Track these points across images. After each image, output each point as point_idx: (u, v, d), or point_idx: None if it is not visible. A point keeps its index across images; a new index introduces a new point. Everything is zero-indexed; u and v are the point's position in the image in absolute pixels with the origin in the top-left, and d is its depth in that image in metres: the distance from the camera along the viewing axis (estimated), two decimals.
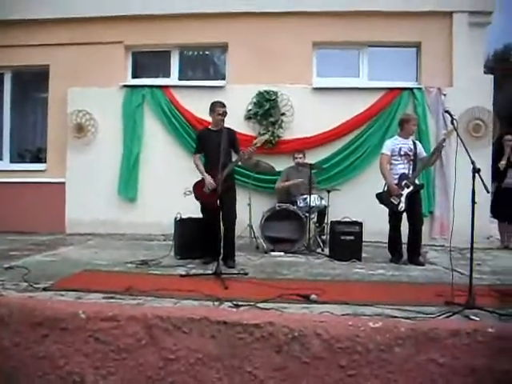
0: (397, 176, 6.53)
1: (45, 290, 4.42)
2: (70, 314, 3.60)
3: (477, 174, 4.23)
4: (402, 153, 6.57)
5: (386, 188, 6.59)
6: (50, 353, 3.57)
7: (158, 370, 3.46)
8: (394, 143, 6.67)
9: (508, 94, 22.76)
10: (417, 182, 6.60)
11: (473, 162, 4.30)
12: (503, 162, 8.43)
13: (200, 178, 6.30)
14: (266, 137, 7.34)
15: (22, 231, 8.97)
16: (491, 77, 8.95)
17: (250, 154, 6.15)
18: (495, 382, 3.25)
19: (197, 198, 6.32)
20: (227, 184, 5.95)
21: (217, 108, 6.20)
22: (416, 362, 3.29)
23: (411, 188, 6.44)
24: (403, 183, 6.45)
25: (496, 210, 8.55)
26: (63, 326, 3.57)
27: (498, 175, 8.49)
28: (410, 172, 6.54)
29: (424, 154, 6.75)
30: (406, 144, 6.63)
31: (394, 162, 6.61)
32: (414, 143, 6.73)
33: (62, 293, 4.32)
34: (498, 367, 3.26)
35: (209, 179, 6.06)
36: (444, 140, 6.43)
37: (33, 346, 3.59)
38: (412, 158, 6.60)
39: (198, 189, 6.24)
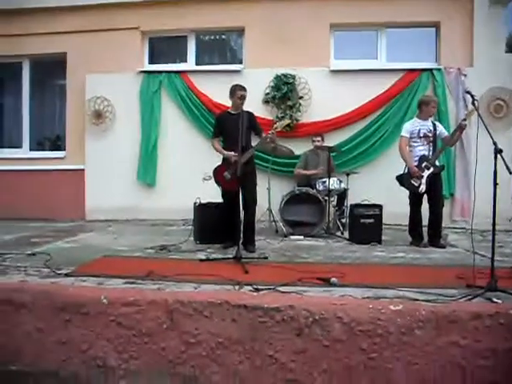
0: (417, 158, 6.47)
1: (66, 275, 4.45)
2: (92, 299, 3.64)
3: (499, 155, 4.17)
4: (422, 134, 6.50)
5: (406, 170, 6.54)
6: (73, 338, 3.61)
7: (179, 354, 3.49)
8: (413, 125, 6.60)
9: None
10: (437, 163, 6.54)
11: (495, 143, 4.23)
12: None
13: (219, 164, 6.29)
14: (287, 121, 7.27)
15: (42, 218, 9.07)
16: None
17: (271, 139, 6.10)
18: None
19: (217, 183, 6.29)
20: (247, 168, 5.90)
21: (237, 91, 6.15)
22: (437, 344, 3.28)
23: (431, 169, 6.38)
24: (423, 165, 6.39)
25: None
26: (85, 311, 3.61)
27: None
28: (431, 153, 6.47)
29: (445, 134, 6.67)
30: (424, 125, 6.55)
31: (413, 143, 6.55)
32: (434, 124, 6.64)
33: (84, 278, 4.35)
34: None
35: (230, 153, 5.99)
36: (465, 119, 6.35)
37: (56, 332, 3.63)
38: (432, 139, 6.52)
39: (219, 174, 6.20)
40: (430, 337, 3.29)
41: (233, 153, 5.94)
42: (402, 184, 6.57)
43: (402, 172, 6.59)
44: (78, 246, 6.42)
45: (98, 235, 7.44)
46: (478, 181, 4.66)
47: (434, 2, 8.75)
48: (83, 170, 9.42)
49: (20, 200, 9.34)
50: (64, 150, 9.81)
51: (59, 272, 4.56)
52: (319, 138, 8.08)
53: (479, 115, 4.70)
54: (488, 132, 4.39)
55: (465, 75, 8.56)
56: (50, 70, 10.29)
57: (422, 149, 6.49)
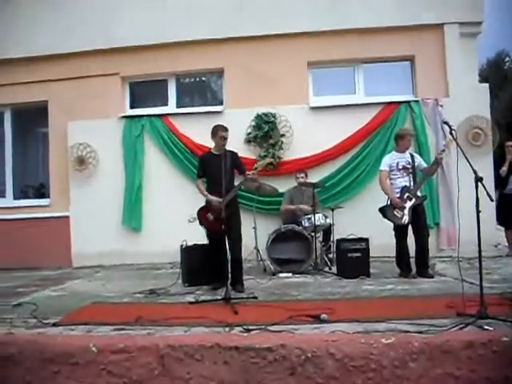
0: (398, 189, 6.54)
1: (54, 325, 4.38)
2: (81, 348, 3.59)
3: (480, 183, 4.23)
4: (400, 167, 6.62)
5: (388, 202, 6.59)
6: None
7: None
8: (392, 158, 6.74)
9: (505, 101, 22.85)
10: (419, 193, 6.61)
11: (475, 171, 4.30)
12: (504, 168, 8.47)
13: (203, 204, 6.30)
14: (268, 160, 7.25)
15: (28, 267, 8.94)
16: (486, 85, 9.02)
17: (252, 179, 6.13)
18: None
19: (201, 224, 6.30)
20: (231, 208, 5.93)
21: (219, 132, 6.19)
22: (432, 376, 3.26)
23: (414, 200, 6.45)
24: (405, 196, 6.46)
25: (501, 217, 8.54)
26: (74, 361, 3.55)
27: (500, 182, 8.50)
28: (412, 184, 6.55)
29: (424, 165, 6.77)
30: (403, 158, 6.68)
31: (393, 176, 6.65)
32: (412, 156, 6.76)
33: (72, 327, 4.29)
34: None
35: (214, 198, 6.01)
36: (443, 151, 6.45)
37: None
38: (411, 171, 6.63)
39: (202, 215, 6.22)
40: (424, 369, 3.27)
41: (215, 198, 5.97)
42: (384, 216, 6.61)
43: (384, 204, 6.65)
44: (66, 293, 6.34)
45: (86, 282, 7.35)
46: (462, 209, 4.73)
47: (407, 37, 8.94)
48: (68, 216, 9.36)
49: (5, 249, 9.23)
50: (48, 197, 9.76)
51: (46, 322, 4.50)
52: (303, 175, 8.12)
53: (458, 144, 4.79)
54: (467, 160, 4.46)
55: (441, 106, 8.69)
56: (32, 118, 10.31)
57: (402, 180, 6.59)
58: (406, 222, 6.45)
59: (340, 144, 8.84)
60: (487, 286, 4.86)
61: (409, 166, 6.62)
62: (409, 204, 6.44)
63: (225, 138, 6.14)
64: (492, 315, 3.93)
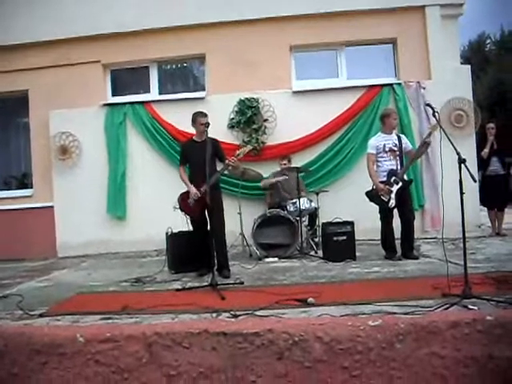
0: (385, 173, 6.55)
1: (41, 316, 4.37)
2: (68, 338, 3.56)
3: (463, 165, 4.25)
4: (387, 149, 6.61)
5: (374, 186, 6.61)
6: (51, 380, 3.51)
7: None
8: (378, 140, 6.72)
9: (486, 82, 22.98)
10: (405, 177, 6.63)
11: (458, 153, 4.33)
12: (486, 150, 8.53)
13: (184, 191, 6.31)
14: (250, 147, 7.12)
15: (13, 259, 8.88)
16: (468, 67, 9.08)
17: (233, 165, 6.12)
18: (497, 369, 3.25)
19: (181, 209, 6.32)
20: (213, 194, 5.89)
21: (198, 118, 6.19)
22: (418, 356, 3.29)
23: (400, 184, 6.47)
24: (392, 179, 6.47)
25: (484, 199, 8.61)
26: (62, 352, 3.52)
27: (482, 164, 8.57)
28: (399, 167, 6.56)
29: (410, 147, 6.80)
30: (389, 140, 6.67)
31: (379, 159, 6.65)
32: (399, 137, 6.77)
33: (59, 317, 4.28)
34: (500, 354, 3.26)
35: (193, 189, 6.08)
36: (430, 134, 6.46)
37: (32, 375, 3.54)
38: (398, 153, 6.63)
39: (183, 201, 6.25)
40: (410, 349, 3.30)
41: (194, 190, 6.05)
42: (371, 200, 6.64)
43: (370, 188, 6.67)
44: (51, 284, 6.30)
45: (72, 272, 7.32)
46: (446, 191, 4.75)
47: (388, 20, 8.94)
48: (52, 206, 9.29)
49: None
50: (31, 187, 9.67)
51: (32, 313, 4.47)
52: (285, 161, 8.14)
53: (441, 127, 4.82)
54: (451, 142, 4.48)
55: (424, 88, 8.72)
56: (13, 108, 10.17)
57: (389, 163, 6.58)
58: (393, 205, 6.48)
59: (323, 128, 8.84)
60: (471, 266, 4.90)
61: (395, 149, 6.62)
62: (395, 188, 6.45)
63: (205, 125, 6.01)
64: (476, 295, 3.99)
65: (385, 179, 6.52)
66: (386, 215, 6.61)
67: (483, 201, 8.67)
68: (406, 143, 6.80)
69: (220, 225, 6.14)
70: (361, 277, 5.56)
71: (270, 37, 9.04)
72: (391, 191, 6.45)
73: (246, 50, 9.07)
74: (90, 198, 9.15)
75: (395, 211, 6.62)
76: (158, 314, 4.19)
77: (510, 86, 21.93)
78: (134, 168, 9.24)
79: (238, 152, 6.26)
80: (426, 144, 6.47)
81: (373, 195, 6.61)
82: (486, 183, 8.58)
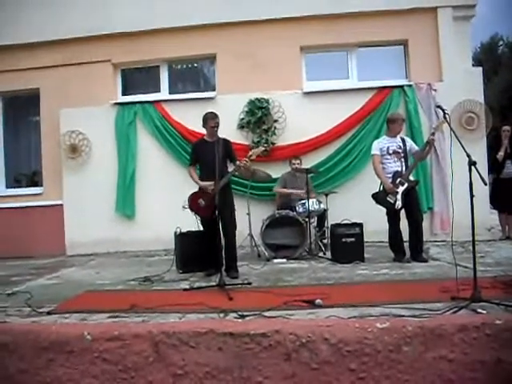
0: (390, 175, 6.53)
1: (49, 313, 4.38)
2: (76, 336, 3.58)
3: (473, 167, 4.22)
4: (391, 151, 6.60)
5: (381, 187, 6.60)
6: (58, 377, 3.53)
7: None
8: (382, 143, 6.73)
9: (498, 85, 22.86)
10: (411, 178, 6.60)
11: (468, 155, 4.29)
12: (501, 153, 8.47)
13: (194, 191, 6.29)
14: (262, 148, 7.00)
15: (22, 256, 8.93)
16: (480, 69, 9.00)
17: (244, 166, 6.09)
18: (506, 373, 3.23)
19: (192, 210, 6.28)
20: (224, 195, 5.90)
21: (209, 120, 6.16)
22: (425, 359, 3.27)
23: (406, 185, 6.44)
24: (397, 181, 6.45)
25: (495, 202, 8.58)
26: (69, 349, 3.54)
27: (496, 166, 8.52)
28: (403, 169, 6.54)
29: (416, 148, 6.76)
30: (393, 142, 6.66)
31: (384, 161, 6.64)
32: (403, 140, 6.74)
33: (66, 315, 4.29)
34: (508, 359, 3.24)
35: (205, 183, 6.00)
36: (434, 133, 6.43)
37: (40, 372, 3.56)
38: (402, 155, 6.61)
39: (193, 201, 6.21)
40: (418, 352, 3.28)
41: (209, 183, 5.93)
42: (377, 202, 6.62)
43: (377, 190, 6.65)
44: (60, 282, 6.32)
45: (80, 270, 7.34)
46: (456, 193, 4.73)
47: (400, 21, 8.91)
48: (61, 205, 9.33)
49: None
50: (41, 185, 9.72)
51: (41, 310, 4.48)
52: (298, 161, 8.10)
53: (451, 129, 4.78)
54: (461, 145, 4.45)
55: (435, 90, 8.67)
56: (24, 106, 10.24)
57: (394, 165, 6.57)
58: (399, 206, 6.45)
59: (333, 129, 8.81)
60: (481, 269, 4.88)
61: (400, 151, 6.60)
62: (401, 189, 6.43)
63: (216, 125, 6.07)
64: (485, 298, 3.95)
65: (390, 181, 6.50)
66: (392, 217, 6.58)
67: (494, 204, 8.63)
68: (411, 145, 6.77)
69: (231, 226, 6.13)
70: (369, 279, 5.53)
71: (281, 37, 9.02)
72: (397, 192, 6.43)
73: (257, 51, 9.06)
74: (99, 197, 9.18)
75: (403, 213, 6.59)
76: (166, 314, 4.18)
77: None
78: (143, 167, 9.25)
79: (250, 153, 6.21)
80: (429, 144, 6.45)
81: (379, 197, 6.59)
82: (499, 186, 8.52)
